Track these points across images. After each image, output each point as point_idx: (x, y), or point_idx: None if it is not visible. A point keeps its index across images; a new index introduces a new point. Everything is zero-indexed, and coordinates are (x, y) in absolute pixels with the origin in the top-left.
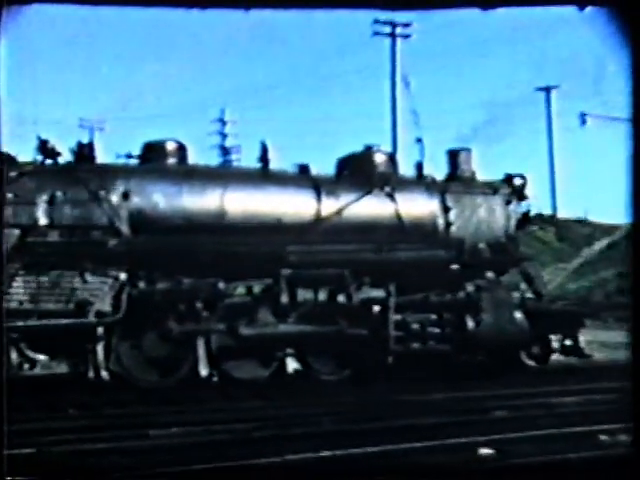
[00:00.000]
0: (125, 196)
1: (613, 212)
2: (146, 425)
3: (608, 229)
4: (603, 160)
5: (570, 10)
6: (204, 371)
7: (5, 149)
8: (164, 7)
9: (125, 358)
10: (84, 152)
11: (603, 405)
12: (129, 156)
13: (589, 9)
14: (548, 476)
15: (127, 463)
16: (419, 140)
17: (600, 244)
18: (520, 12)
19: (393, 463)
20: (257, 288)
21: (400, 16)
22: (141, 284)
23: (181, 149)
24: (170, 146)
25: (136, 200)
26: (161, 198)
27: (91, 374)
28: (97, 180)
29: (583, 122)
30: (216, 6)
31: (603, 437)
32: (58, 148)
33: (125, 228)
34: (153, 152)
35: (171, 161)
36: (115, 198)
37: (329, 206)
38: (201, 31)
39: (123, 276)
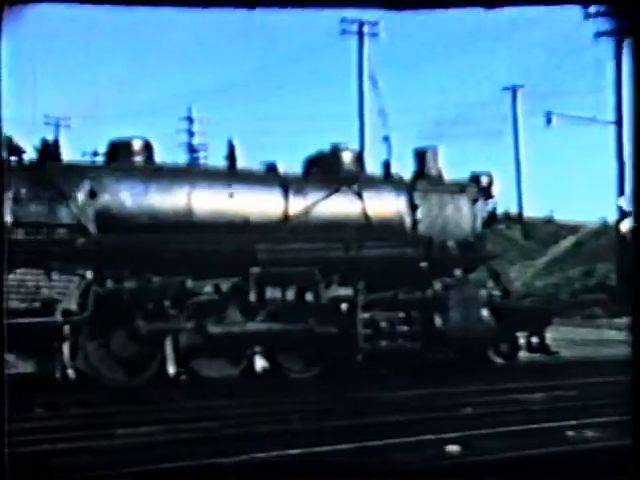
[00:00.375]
0: (92, 194)
1: (579, 211)
2: (114, 424)
3: (573, 228)
4: (570, 160)
5: (541, 10)
6: (172, 370)
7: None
8: (164, 7)
9: (92, 357)
10: (49, 150)
11: (569, 401)
12: (95, 154)
13: (589, 9)
14: (515, 472)
15: (95, 462)
16: (386, 139)
17: (566, 242)
18: (489, 11)
19: (362, 461)
20: (225, 286)
21: (368, 14)
22: (108, 283)
23: (148, 147)
24: (137, 144)
25: (103, 198)
26: (128, 196)
27: (58, 374)
28: (63, 178)
29: (548, 121)
30: (214, 6)
31: (570, 433)
32: (23, 145)
33: (92, 226)
34: (119, 150)
35: (138, 159)
36: (81, 196)
37: (297, 205)
38: (169, 30)
39: (90, 275)
